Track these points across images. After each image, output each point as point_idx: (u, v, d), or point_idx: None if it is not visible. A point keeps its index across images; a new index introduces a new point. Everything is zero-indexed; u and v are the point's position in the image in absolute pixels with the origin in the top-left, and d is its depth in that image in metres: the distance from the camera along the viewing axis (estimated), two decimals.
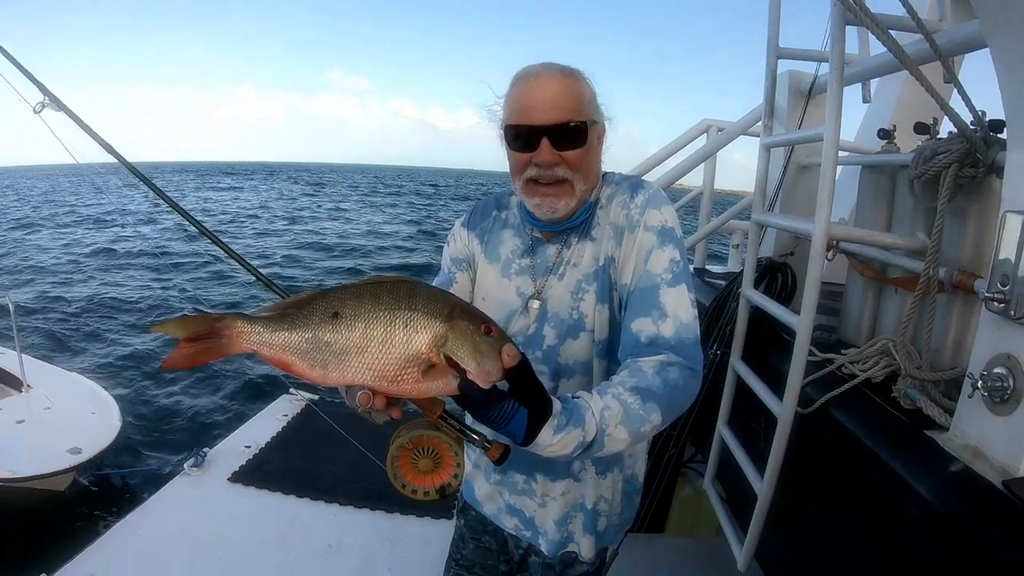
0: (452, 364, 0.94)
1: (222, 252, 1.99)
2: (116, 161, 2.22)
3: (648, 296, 1.23)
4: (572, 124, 1.25)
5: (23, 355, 6.43)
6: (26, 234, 23.63)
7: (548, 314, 1.38)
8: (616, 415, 1.06)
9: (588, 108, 1.29)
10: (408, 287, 0.97)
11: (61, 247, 21.06)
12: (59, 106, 2.23)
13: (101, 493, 5.62)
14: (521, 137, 1.27)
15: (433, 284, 1.42)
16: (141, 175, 2.21)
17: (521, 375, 0.97)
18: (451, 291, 1.38)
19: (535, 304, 1.39)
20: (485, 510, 1.60)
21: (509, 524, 1.55)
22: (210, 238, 2.04)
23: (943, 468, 1.35)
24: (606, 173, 1.44)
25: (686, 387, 1.15)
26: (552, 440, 1.01)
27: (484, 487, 1.58)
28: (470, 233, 1.52)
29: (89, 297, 13.84)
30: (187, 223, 2.16)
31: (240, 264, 1.93)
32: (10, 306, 6.12)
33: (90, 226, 25.86)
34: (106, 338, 11.09)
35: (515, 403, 0.97)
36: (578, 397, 1.08)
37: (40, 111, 2.27)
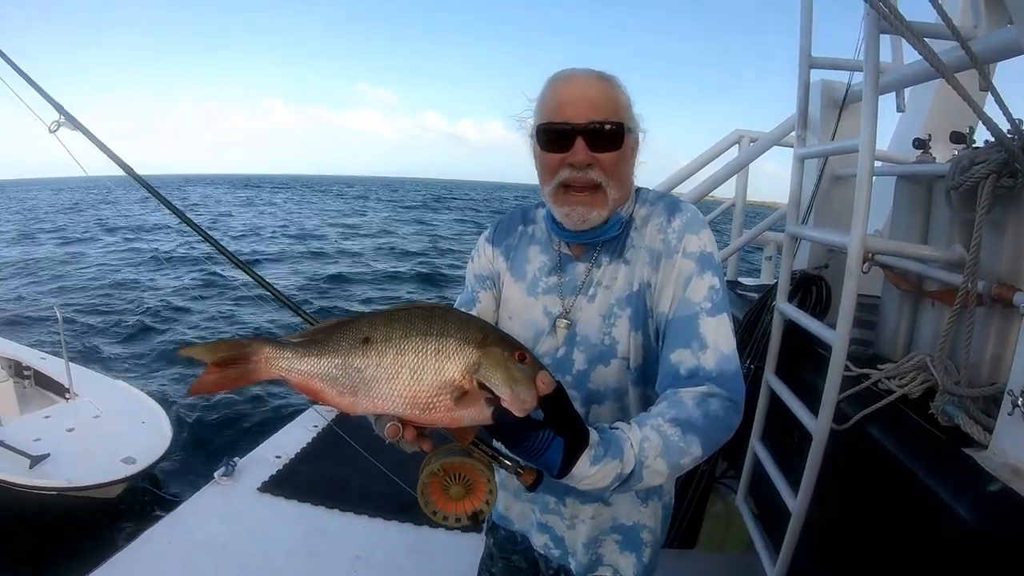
0: (485, 391, 0.92)
1: (249, 278, 1.96)
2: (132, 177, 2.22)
3: (688, 326, 1.18)
4: (608, 125, 1.20)
5: (65, 361, 6.58)
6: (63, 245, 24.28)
7: (578, 337, 1.32)
8: (656, 447, 1.02)
9: (624, 113, 1.24)
10: (440, 313, 0.96)
11: (102, 257, 21.65)
12: (75, 125, 2.22)
13: (133, 501, 5.70)
14: (555, 136, 1.22)
15: (456, 303, 1.45)
16: (158, 194, 2.21)
17: (557, 403, 0.95)
18: (474, 311, 1.40)
19: (563, 324, 1.33)
20: (516, 526, 1.56)
21: (539, 542, 1.51)
22: (236, 262, 2.02)
23: (982, 487, 1.31)
24: (639, 189, 1.38)
25: (727, 419, 1.11)
26: (589, 471, 0.97)
27: (515, 505, 1.55)
28: (495, 249, 1.46)
29: (123, 306, 14.26)
30: (210, 246, 2.13)
31: (261, 285, 1.90)
32: (58, 315, 6.27)
33: (129, 236, 26.43)
34: (139, 346, 11.39)
35: (551, 433, 0.94)
36: (616, 428, 1.04)
37: (55, 130, 2.26)
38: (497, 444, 1.04)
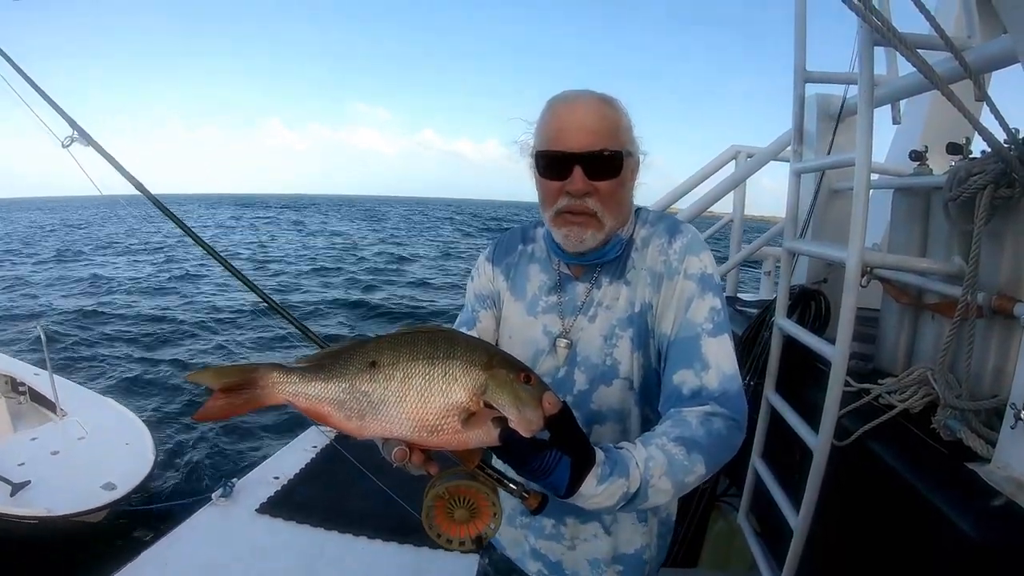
0: (492, 412, 0.92)
1: (265, 303, 1.94)
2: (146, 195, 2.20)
3: (690, 347, 1.18)
4: (607, 152, 1.18)
5: (58, 377, 6.60)
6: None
7: (578, 357, 1.31)
8: (660, 465, 1.03)
9: (623, 138, 1.23)
10: (446, 335, 0.97)
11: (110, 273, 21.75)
12: (88, 141, 2.20)
13: (130, 521, 5.65)
14: (553, 164, 1.21)
15: (456, 323, 1.45)
16: (172, 214, 2.19)
17: (563, 423, 0.95)
18: (474, 331, 1.40)
19: (563, 344, 1.32)
20: (507, 552, 1.54)
21: (532, 568, 1.48)
22: (249, 285, 1.99)
23: (985, 502, 1.30)
24: (639, 209, 1.37)
25: (730, 438, 1.12)
26: (596, 491, 0.98)
27: (508, 531, 1.52)
28: (495, 268, 1.46)
29: (129, 322, 14.27)
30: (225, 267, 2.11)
31: (271, 305, 1.89)
32: (41, 333, 6.27)
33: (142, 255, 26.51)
34: (139, 364, 11.33)
35: (557, 452, 0.94)
36: (621, 447, 1.05)
37: (68, 145, 2.24)
38: (502, 467, 1.08)
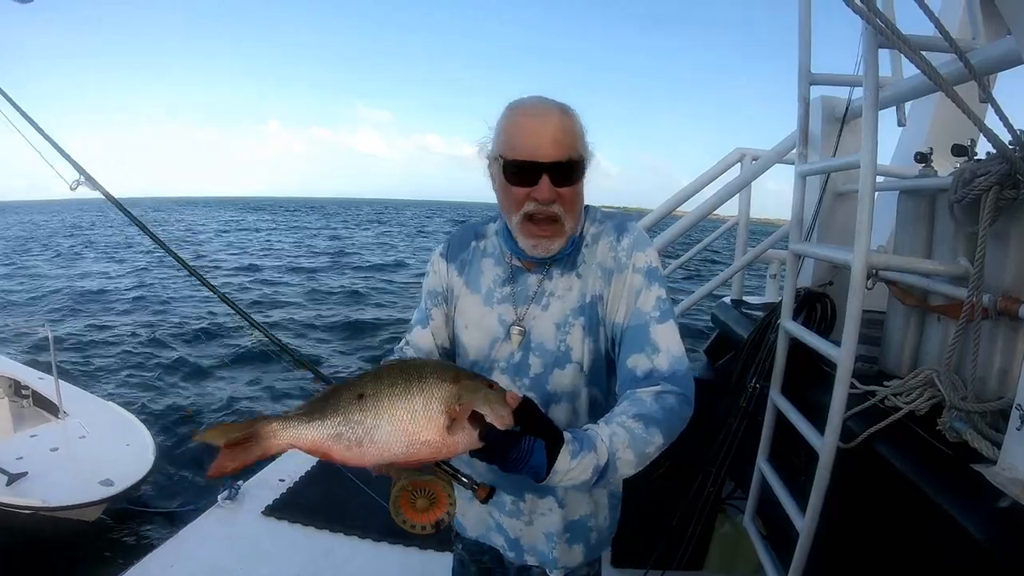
0: (469, 415, 1.06)
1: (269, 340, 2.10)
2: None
3: (640, 333, 1.31)
4: (571, 161, 1.28)
5: (61, 381, 6.62)
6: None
7: (533, 344, 1.42)
8: (623, 440, 1.15)
9: (581, 144, 1.32)
10: (416, 363, 1.15)
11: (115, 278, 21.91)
12: (94, 186, 2.43)
13: (136, 523, 5.68)
14: (522, 172, 1.28)
15: (412, 320, 1.59)
16: (166, 246, 2.33)
17: (528, 412, 1.09)
18: (427, 330, 1.54)
19: (516, 331, 1.42)
20: (473, 533, 1.64)
21: (497, 542, 1.60)
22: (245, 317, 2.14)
23: (991, 503, 1.30)
24: (587, 208, 1.46)
25: (681, 411, 1.24)
26: (570, 465, 1.09)
27: (470, 511, 1.62)
28: (449, 265, 1.55)
29: (132, 327, 14.30)
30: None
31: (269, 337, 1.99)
32: (50, 336, 6.30)
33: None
34: (147, 366, 11.39)
35: (531, 438, 1.07)
36: (586, 429, 1.17)
37: (75, 188, 2.48)
38: (456, 463, 1.24)
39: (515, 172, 1.29)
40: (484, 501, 1.23)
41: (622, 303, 1.35)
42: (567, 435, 1.11)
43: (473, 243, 1.55)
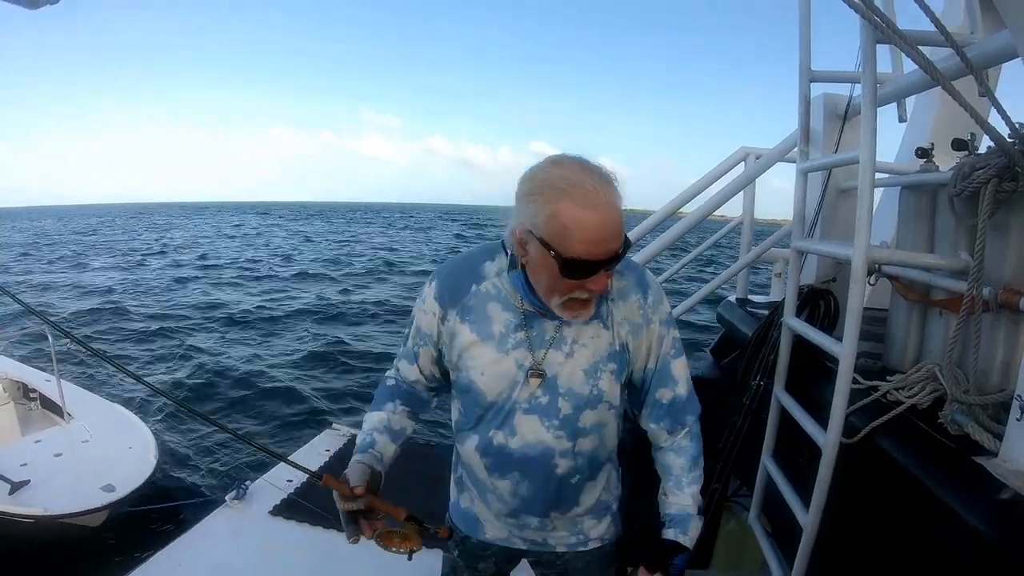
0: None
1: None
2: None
3: (664, 370, 1.54)
4: (623, 250, 1.29)
5: (68, 383, 6.67)
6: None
7: (561, 389, 1.45)
8: (692, 488, 1.54)
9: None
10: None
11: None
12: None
13: (144, 521, 5.67)
14: (583, 270, 1.25)
15: (399, 355, 1.63)
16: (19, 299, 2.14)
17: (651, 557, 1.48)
18: (414, 366, 1.59)
19: (535, 375, 1.43)
20: (490, 537, 1.68)
21: (521, 545, 1.67)
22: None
23: (992, 495, 1.30)
24: None
25: (699, 431, 1.59)
26: (694, 533, 1.52)
27: (495, 526, 1.66)
28: (448, 310, 1.48)
29: (145, 322, 14.52)
30: None
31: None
32: (51, 338, 6.32)
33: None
34: (156, 365, 11.49)
35: (675, 566, 1.47)
36: (670, 507, 1.54)
37: None
38: (416, 514, 1.40)
39: (576, 269, 1.24)
40: (449, 539, 1.50)
41: (651, 352, 1.52)
42: (685, 540, 1.49)
43: (473, 287, 1.47)
